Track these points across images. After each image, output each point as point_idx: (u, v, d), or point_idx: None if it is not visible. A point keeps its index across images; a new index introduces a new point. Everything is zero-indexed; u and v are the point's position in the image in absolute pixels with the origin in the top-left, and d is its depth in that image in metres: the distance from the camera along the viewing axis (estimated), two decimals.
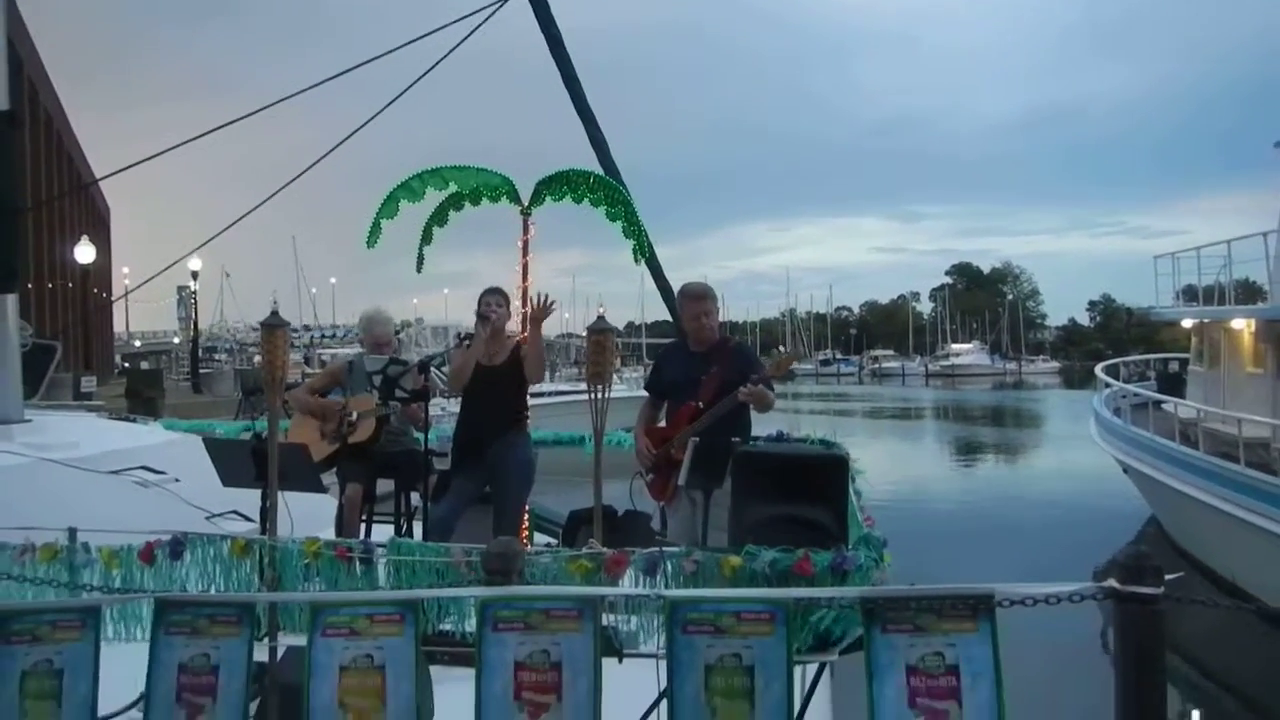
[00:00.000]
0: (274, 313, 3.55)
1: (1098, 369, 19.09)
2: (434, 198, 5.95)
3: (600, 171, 6.06)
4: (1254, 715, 8.47)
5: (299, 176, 6.40)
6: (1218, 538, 11.25)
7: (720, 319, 5.19)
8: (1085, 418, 18.66)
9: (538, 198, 5.80)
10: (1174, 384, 17.22)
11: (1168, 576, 2.32)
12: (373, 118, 6.13)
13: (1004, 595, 2.32)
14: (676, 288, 7.34)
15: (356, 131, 6.21)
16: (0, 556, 3.54)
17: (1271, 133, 13.35)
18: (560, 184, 5.69)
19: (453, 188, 5.88)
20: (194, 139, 6.58)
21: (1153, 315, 18.92)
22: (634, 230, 5.73)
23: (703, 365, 4.84)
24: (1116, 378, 18.18)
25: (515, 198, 5.85)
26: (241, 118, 6.73)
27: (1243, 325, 13.66)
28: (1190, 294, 16.72)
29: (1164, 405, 14.50)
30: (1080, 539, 13.33)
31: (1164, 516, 13.93)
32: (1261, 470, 10.24)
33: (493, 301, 5.30)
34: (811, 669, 3.49)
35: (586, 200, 5.69)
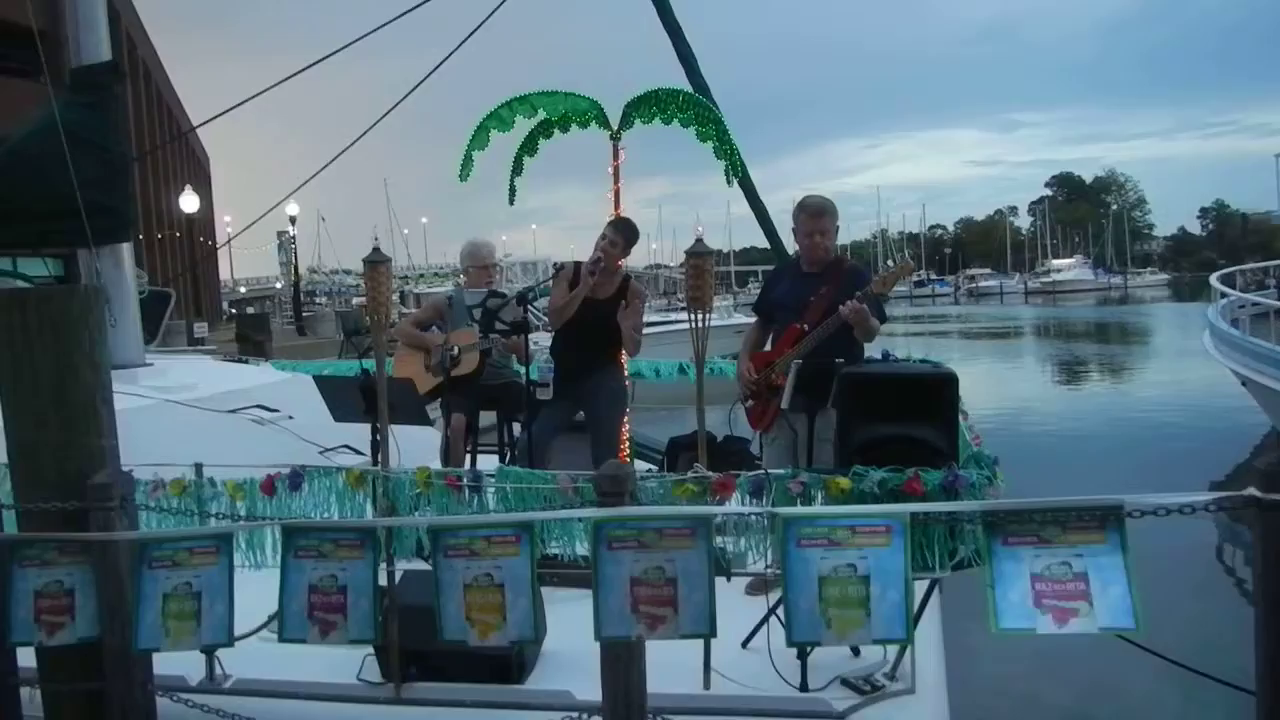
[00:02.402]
0: (376, 249, 3.60)
1: (1212, 278, 18.20)
2: (523, 127, 5.92)
3: (689, 90, 5.92)
4: None
5: (384, 117, 6.47)
6: None
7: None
8: (1198, 331, 17.88)
9: (627, 121, 5.70)
10: None
11: None
12: (457, 47, 6.13)
13: (1134, 506, 2.25)
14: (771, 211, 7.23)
15: (440, 65, 6.21)
16: (136, 492, 3.72)
17: None
18: (649, 105, 5.57)
19: (541, 114, 5.82)
20: (286, 79, 6.68)
21: (1274, 219, 17.94)
22: (726, 150, 5.60)
23: (814, 286, 4.61)
24: (1233, 287, 17.33)
25: (604, 122, 5.77)
26: (327, 56, 6.81)
27: None
28: None
29: None
30: (1196, 454, 12.89)
31: None
32: None
33: (610, 237, 5.20)
34: (924, 585, 3.47)
35: (676, 121, 5.57)
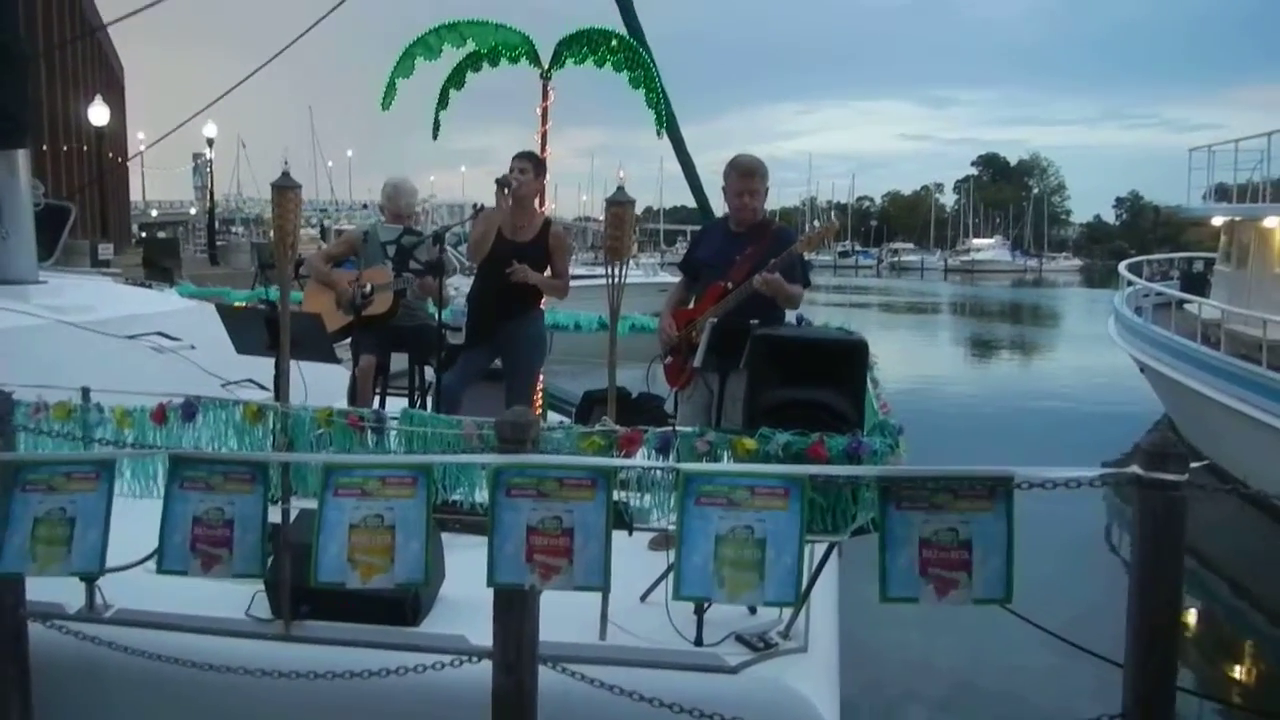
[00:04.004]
0: (285, 174, 3.46)
1: (1121, 267, 18.81)
2: (450, 58, 5.74)
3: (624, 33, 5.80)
4: (1256, 609, 8.60)
5: (304, 34, 6.22)
6: (1232, 438, 11.24)
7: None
8: (1104, 316, 18.50)
9: (558, 60, 5.56)
10: (1198, 284, 16.98)
11: (1193, 464, 2.28)
12: None
13: (1024, 478, 2.30)
14: (698, 169, 7.18)
15: None
16: (15, 412, 3.55)
17: None
18: (580, 44, 5.44)
19: (470, 46, 5.64)
20: None
21: (1181, 213, 18.55)
22: (655, 99, 5.52)
23: (740, 246, 4.55)
24: (1140, 276, 17.94)
25: (535, 59, 5.63)
26: None
27: (1275, 224, 13.36)
28: (1222, 192, 16.30)
29: (1186, 305, 14.32)
30: (1090, 434, 13.37)
31: (1178, 416, 13.92)
32: None
33: (518, 167, 5.07)
34: (820, 549, 3.52)
35: (609, 64, 5.46)
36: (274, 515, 3.43)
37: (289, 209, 3.39)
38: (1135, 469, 2.29)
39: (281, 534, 3.23)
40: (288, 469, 3.27)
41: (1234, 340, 11.60)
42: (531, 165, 5.15)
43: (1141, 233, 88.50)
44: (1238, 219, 14.68)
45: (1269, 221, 13.50)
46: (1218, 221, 15.92)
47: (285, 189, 3.39)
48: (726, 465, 2.77)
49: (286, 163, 4.27)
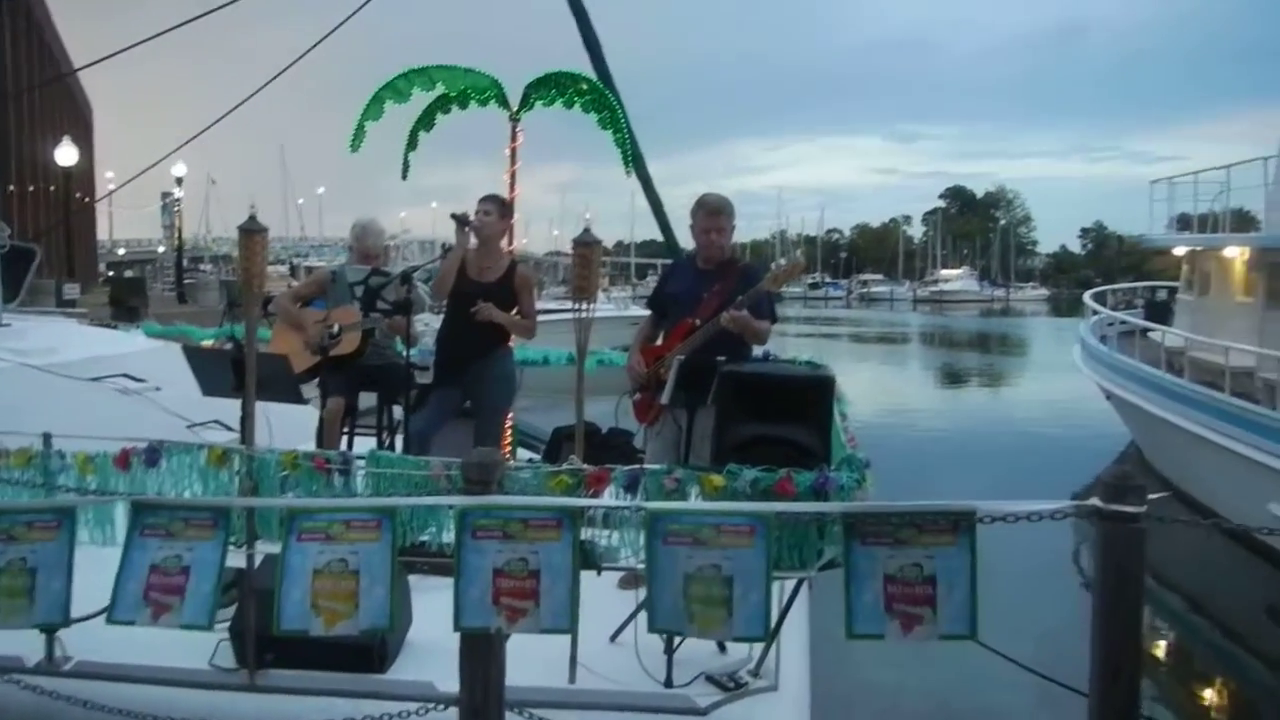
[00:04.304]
0: (252, 217, 3.46)
1: (1086, 296, 19.08)
2: (420, 100, 5.78)
3: (593, 75, 5.87)
4: (1225, 637, 8.67)
5: (277, 76, 6.24)
6: (1197, 464, 11.38)
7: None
8: (1071, 345, 18.72)
9: (527, 102, 5.62)
10: (1161, 312, 17.24)
11: (1151, 496, 2.32)
12: (355, 11, 5.94)
13: (986, 512, 2.32)
14: (667, 204, 7.24)
15: (338, 28, 6.02)
16: None
17: None
18: (549, 87, 5.50)
19: (440, 89, 5.69)
20: (175, 27, 6.39)
21: (1144, 243, 18.85)
22: (622, 139, 5.58)
23: (708, 283, 4.61)
24: (1104, 305, 18.19)
25: (504, 101, 5.68)
26: (219, 7, 6.53)
27: (1235, 254, 13.62)
28: (1184, 222, 16.61)
29: (1150, 333, 14.53)
30: (1059, 463, 13.49)
31: (1144, 443, 14.07)
32: (1245, 399, 10.32)
33: (482, 209, 5.13)
34: (790, 584, 3.52)
35: (577, 105, 5.52)
36: (241, 560, 3.41)
37: (256, 252, 3.39)
38: (1095, 501, 2.32)
39: (246, 580, 3.19)
40: (253, 513, 3.24)
41: (1197, 368, 11.78)
42: (496, 207, 5.21)
43: (1107, 262, 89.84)
44: (1199, 249, 14.95)
45: (1229, 251, 13.77)
46: (1180, 251, 16.21)
47: (252, 233, 3.39)
48: (692, 504, 2.77)
49: (254, 206, 4.21)
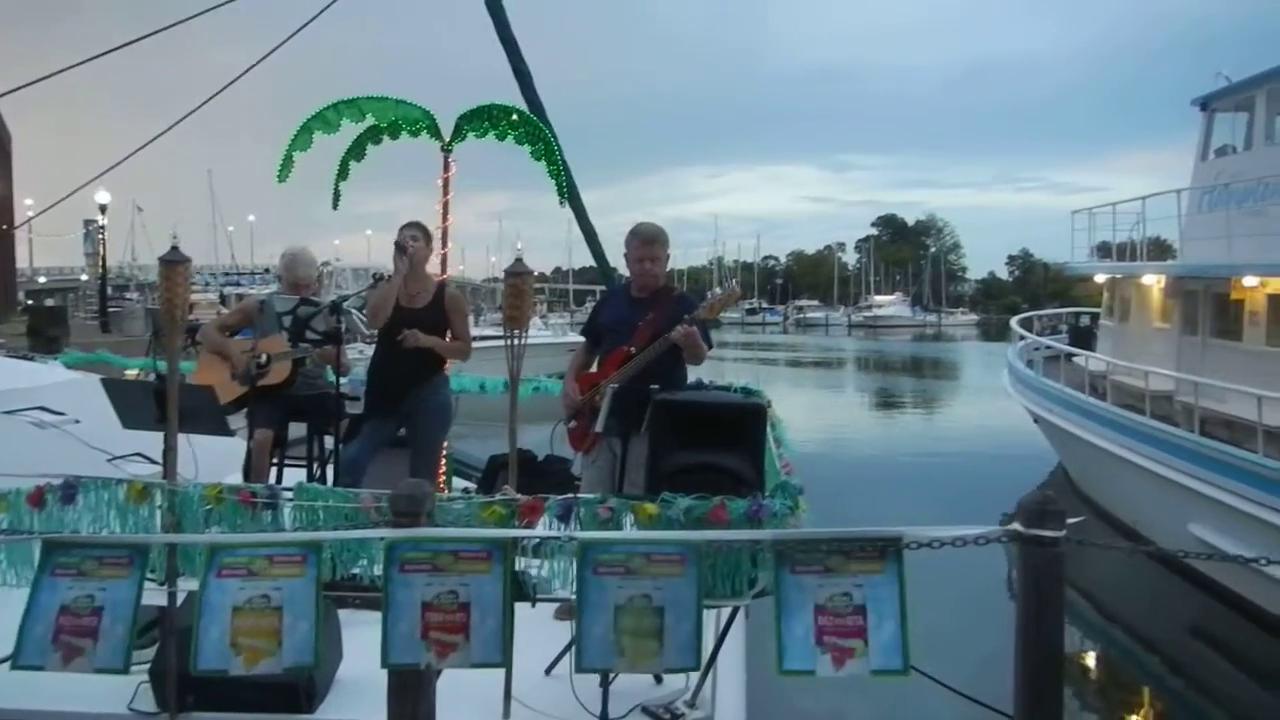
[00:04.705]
0: (174, 248, 3.39)
1: (1012, 322, 19.55)
2: (351, 130, 5.74)
3: (524, 107, 5.89)
4: (1149, 653, 8.88)
5: (204, 105, 6.13)
6: (1121, 485, 11.69)
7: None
8: (1000, 369, 19.14)
9: (459, 134, 5.61)
10: (1085, 337, 17.71)
11: (1070, 520, 2.37)
12: (284, 41, 5.87)
13: (911, 538, 2.35)
14: (602, 232, 7.27)
15: (267, 56, 5.95)
16: None
17: (1199, 91, 13.58)
18: (481, 119, 5.51)
19: (370, 120, 5.66)
20: (99, 55, 6.25)
21: (1067, 270, 19.39)
22: (556, 171, 5.60)
23: (642, 311, 4.64)
24: (1030, 331, 18.65)
25: (435, 133, 5.66)
26: (148, 35, 6.42)
27: (1153, 281, 14.07)
28: (1104, 251, 17.13)
29: (1074, 358, 14.93)
30: (990, 486, 13.74)
31: (1070, 465, 14.41)
32: (1164, 422, 10.63)
33: (409, 234, 5.11)
34: (726, 612, 3.53)
35: (510, 138, 5.53)
36: (162, 598, 3.31)
37: (177, 283, 3.32)
38: (1016, 526, 2.36)
39: (166, 619, 3.10)
40: (174, 550, 3.15)
41: (1119, 391, 12.12)
42: (422, 233, 5.21)
43: (1033, 288, 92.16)
44: (1118, 276, 15.43)
45: (1146, 279, 14.23)
46: (1101, 278, 16.70)
47: (174, 264, 3.31)
48: (623, 534, 2.76)
49: (175, 236, 4.10)
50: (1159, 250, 16.53)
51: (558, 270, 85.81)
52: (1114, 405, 11.80)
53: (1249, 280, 10.96)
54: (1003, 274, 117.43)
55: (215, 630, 2.33)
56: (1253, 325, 11.11)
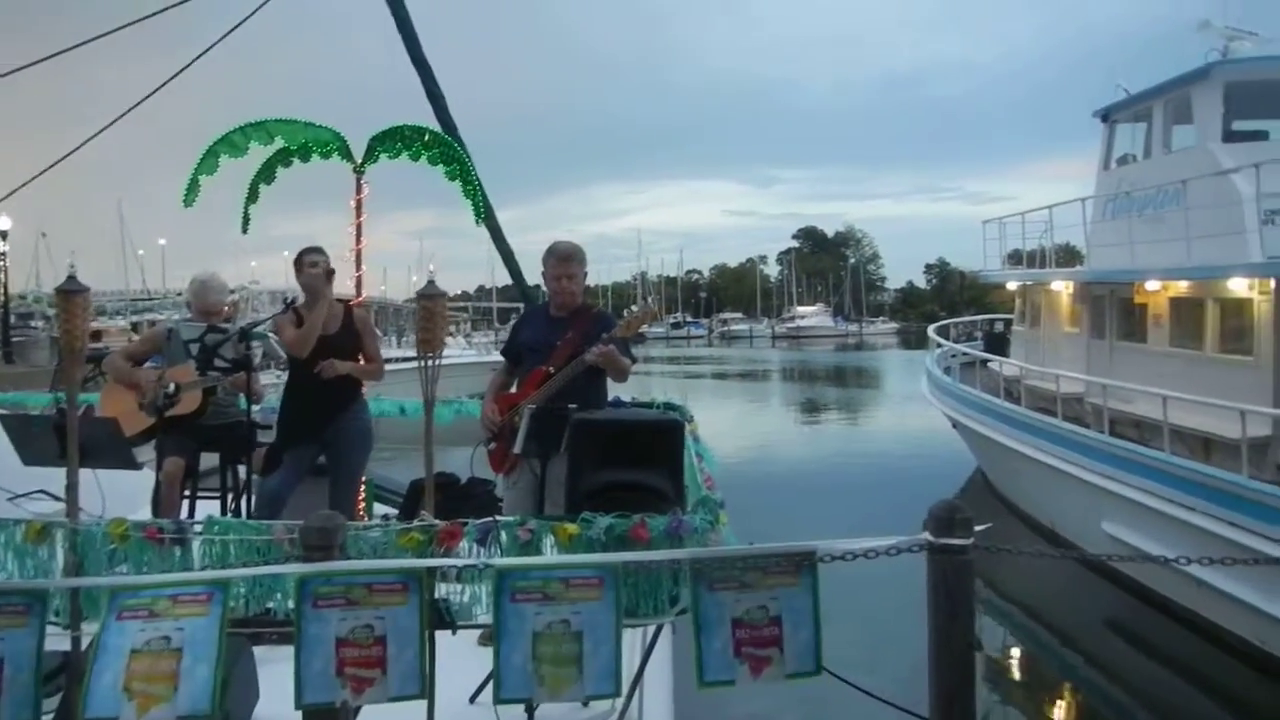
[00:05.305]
0: (71, 277, 3.28)
1: (930, 330, 19.99)
2: (259, 154, 5.64)
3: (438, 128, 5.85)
4: (1066, 647, 9.13)
5: (108, 127, 5.95)
6: (1037, 486, 12.01)
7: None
8: (919, 377, 19.54)
9: (371, 155, 5.55)
10: (999, 343, 18.16)
11: (977, 528, 2.42)
12: (192, 62, 5.75)
13: (825, 552, 2.38)
14: (520, 251, 7.25)
15: (176, 76, 5.81)
16: None
17: (1104, 102, 14.04)
18: (394, 140, 5.46)
19: (279, 143, 5.56)
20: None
21: (981, 278, 19.88)
22: (472, 191, 5.57)
23: (561, 330, 4.64)
24: (947, 338, 19.09)
25: (347, 154, 5.59)
26: (50, 56, 6.22)
27: (1061, 287, 14.51)
28: (1016, 258, 17.59)
29: (989, 364, 15.31)
30: (911, 491, 14.00)
31: (989, 468, 14.76)
32: (1076, 423, 10.96)
33: (320, 261, 5.04)
34: (651, 629, 3.53)
35: (424, 159, 5.49)
36: (67, 643, 3.18)
37: (76, 314, 3.20)
38: (926, 535, 2.41)
39: (70, 665, 2.98)
40: (77, 593, 3.03)
41: (1033, 395, 12.47)
42: (324, 259, 5.15)
43: (951, 296, 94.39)
44: (1029, 283, 15.89)
45: (1055, 285, 14.68)
46: (1012, 285, 17.18)
47: (72, 293, 3.20)
48: (539, 559, 2.74)
49: (73, 266, 3.95)
50: (1069, 257, 17.05)
51: (481, 289, 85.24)
52: (1028, 409, 12.13)
53: (1151, 284, 11.38)
54: (921, 283, 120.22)
55: (108, 675, 2.23)
56: (1156, 328, 11.53)
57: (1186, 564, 3.02)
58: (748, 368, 52.68)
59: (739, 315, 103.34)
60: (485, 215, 5.77)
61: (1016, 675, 8.63)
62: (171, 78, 6.61)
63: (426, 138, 5.46)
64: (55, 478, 4.71)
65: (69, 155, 7.01)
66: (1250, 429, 8.02)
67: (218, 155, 5.39)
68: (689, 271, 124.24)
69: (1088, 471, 10.17)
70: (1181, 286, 10.90)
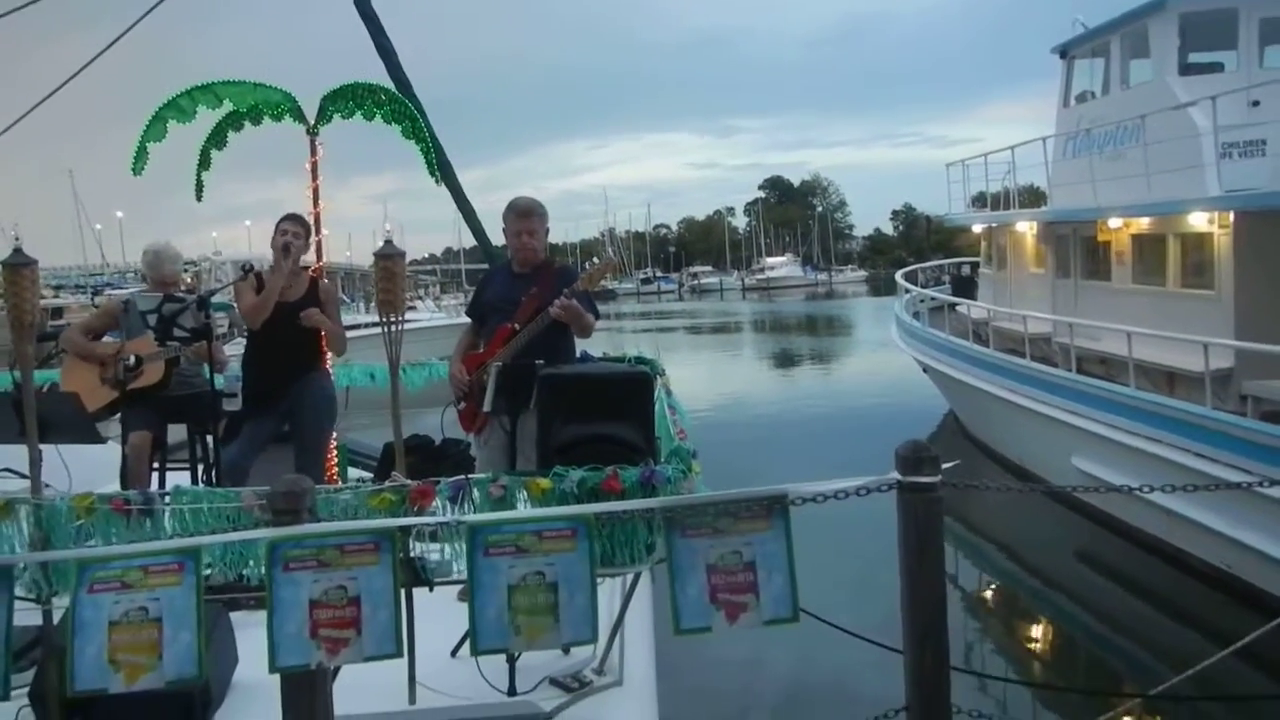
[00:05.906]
0: (17, 250, 3.21)
1: (898, 275, 20.06)
2: (209, 118, 5.50)
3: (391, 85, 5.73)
4: (1036, 578, 9.32)
5: (49, 97, 5.80)
6: (1007, 426, 12.17)
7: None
8: (889, 323, 19.65)
9: (324, 115, 5.43)
10: (966, 286, 18.29)
11: (944, 465, 2.44)
12: (130, 28, 5.59)
13: (796, 494, 2.40)
14: (485, 211, 7.18)
15: (112, 45, 5.65)
16: None
17: (1063, 38, 13.96)
18: (347, 99, 5.34)
19: (228, 106, 5.43)
20: None
21: (947, 222, 19.95)
22: (427, 148, 5.47)
23: (524, 287, 4.61)
24: (915, 283, 19.17)
25: (299, 116, 5.47)
26: None
27: (1025, 228, 14.59)
28: (980, 201, 17.62)
29: (958, 307, 15.42)
30: (884, 435, 14.13)
31: (960, 410, 14.93)
32: (1044, 363, 11.09)
33: (290, 230, 4.99)
34: (630, 578, 3.55)
35: (378, 117, 5.38)
36: (38, 618, 3.15)
37: (24, 288, 3.14)
38: (894, 475, 2.43)
39: (44, 639, 2.96)
40: (47, 567, 3.00)
41: (1001, 336, 12.59)
42: (304, 229, 5.13)
43: (918, 242, 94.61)
44: (994, 225, 15.95)
45: (1020, 226, 14.76)
46: (978, 228, 17.24)
47: (18, 266, 3.13)
48: (511, 513, 2.74)
49: (18, 238, 3.84)
50: (1035, 198, 17.10)
51: (448, 251, 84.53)
52: (996, 350, 12.26)
53: (1113, 222, 11.46)
54: (888, 229, 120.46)
55: (91, 648, 2.23)
56: (1120, 265, 11.64)
57: (1149, 492, 3.07)
58: (719, 320, 52.78)
59: (709, 269, 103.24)
60: (443, 173, 5.68)
61: (991, 608, 8.81)
62: (112, 43, 6.47)
63: (380, 95, 5.35)
64: (18, 455, 4.64)
65: (6, 131, 6.86)
66: (1213, 361, 8.15)
67: (165, 121, 5.25)
68: (657, 226, 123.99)
69: (1057, 409, 10.31)
70: (1143, 223, 10.98)
